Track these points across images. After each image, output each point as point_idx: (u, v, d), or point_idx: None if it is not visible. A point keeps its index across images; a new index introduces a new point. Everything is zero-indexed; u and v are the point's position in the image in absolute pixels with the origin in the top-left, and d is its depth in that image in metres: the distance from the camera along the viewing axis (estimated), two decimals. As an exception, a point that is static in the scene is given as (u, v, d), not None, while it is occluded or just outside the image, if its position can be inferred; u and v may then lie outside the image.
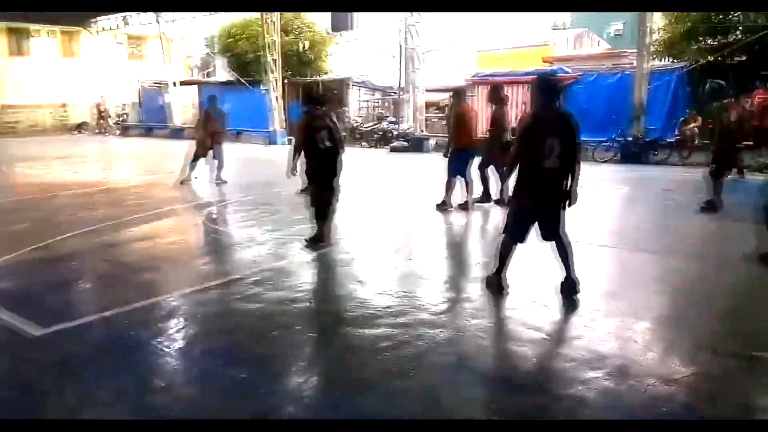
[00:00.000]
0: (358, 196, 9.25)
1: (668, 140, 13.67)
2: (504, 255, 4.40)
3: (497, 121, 8.02)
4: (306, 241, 6.01)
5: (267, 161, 15.86)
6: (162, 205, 8.70)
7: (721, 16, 15.36)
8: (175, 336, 3.86)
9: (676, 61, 16.44)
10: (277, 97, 20.64)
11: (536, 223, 4.27)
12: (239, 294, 4.60)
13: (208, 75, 35.82)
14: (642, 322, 3.89)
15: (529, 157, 4.10)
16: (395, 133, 18.57)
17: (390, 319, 4.02)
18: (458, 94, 8.49)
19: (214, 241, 6.88)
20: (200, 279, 5.08)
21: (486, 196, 8.20)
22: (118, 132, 26.78)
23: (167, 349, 3.63)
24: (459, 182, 7.85)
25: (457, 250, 6.55)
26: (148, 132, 25.94)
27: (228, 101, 23.55)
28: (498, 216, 7.52)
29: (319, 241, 5.98)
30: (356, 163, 12.53)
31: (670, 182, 10.72)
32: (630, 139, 13.65)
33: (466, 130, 7.79)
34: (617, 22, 38.29)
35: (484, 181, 8.17)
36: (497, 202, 8.00)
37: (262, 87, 22.01)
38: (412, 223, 7.71)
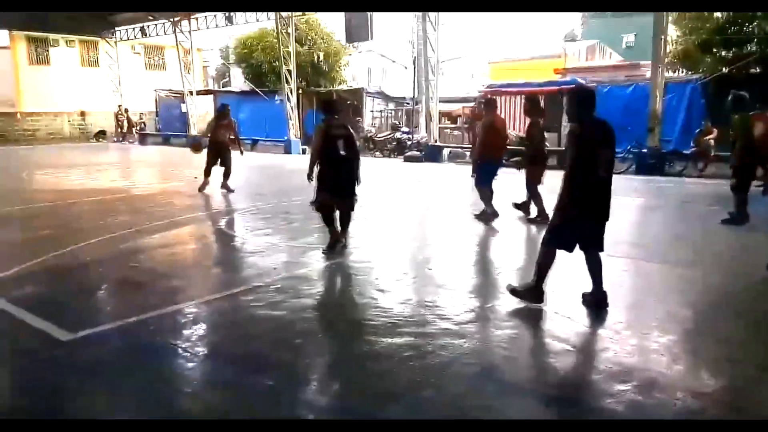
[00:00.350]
0: (377, 205, 9.28)
1: (684, 152, 13.59)
2: (545, 266, 4.33)
3: (535, 136, 7.67)
4: (325, 249, 6.04)
5: (284, 170, 15.98)
6: (182, 212, 8.79)
7: (735, 28, 15.30)
8: (199, 342, 3.89)
9: (690, 72, 16.39)
10: (293, 107, 20.80)
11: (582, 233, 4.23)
12: (262, 301, 4.63)
13: (224, 85, 36.27)
14: (667, 335, 3.86)
15: (584, 168, 4.04)
16: (409, 143, 18.61)
17: (412, 328, 4.02)
18: (489, 104, 8.07)
19: (234, 249, 6.93)
20: (222, 286, 5.13)
21: (541, 213, 7.39)
22: (135, 141, 27.12)
23: (192, 355, 3.66)
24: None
25: (479, 259, 6.53)
26: (165, 141, 26.24)
27: (244, 111, 23.92)
28: (525, 228, 7.55)
29: (335, 246, 6.02)
30: (372, 173, 12.56)
31: (687, 194, 10.67)
32: (645, 150, 13.58)
33: (497, 141, 7.57)
34: (629, 34, 38.25)
35: (536, 198, 7.56)
36: (517, 207, 7.93)
37: (277, 97, 22.21)
38: (433, 232, 7.71)
